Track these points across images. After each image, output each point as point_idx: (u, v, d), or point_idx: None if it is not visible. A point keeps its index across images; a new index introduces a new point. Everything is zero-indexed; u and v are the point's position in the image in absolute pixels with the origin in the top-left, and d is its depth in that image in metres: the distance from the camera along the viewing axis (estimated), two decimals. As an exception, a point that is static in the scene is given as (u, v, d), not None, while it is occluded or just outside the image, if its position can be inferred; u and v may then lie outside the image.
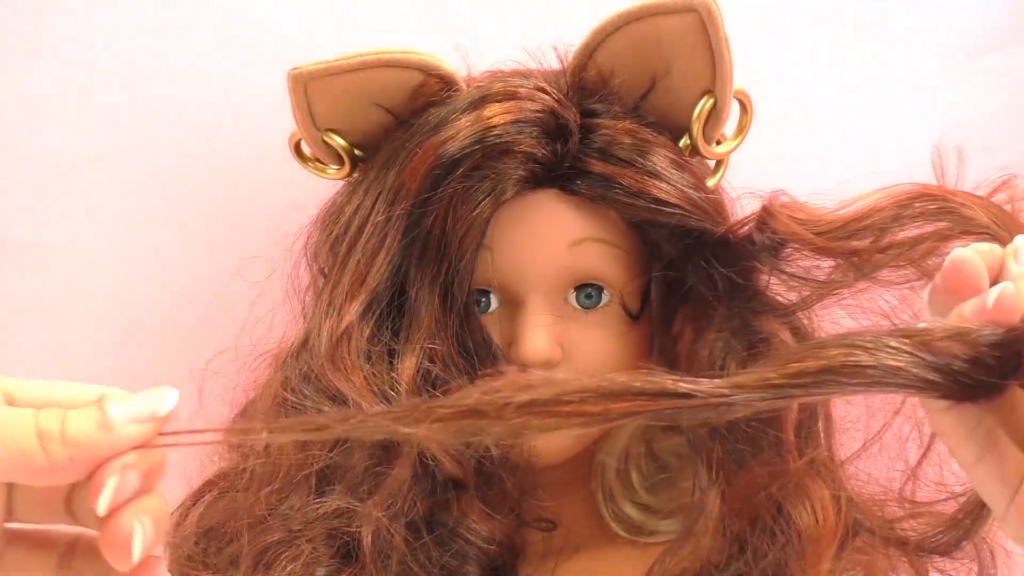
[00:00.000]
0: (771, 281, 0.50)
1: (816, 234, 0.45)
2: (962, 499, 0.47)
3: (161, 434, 0.29)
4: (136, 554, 0.28)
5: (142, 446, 0.28)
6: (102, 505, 0.27)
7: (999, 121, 0.70)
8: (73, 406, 0.28)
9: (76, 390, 0.29)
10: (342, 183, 0.57)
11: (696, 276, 0.51)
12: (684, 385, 0.28)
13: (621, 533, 0.56)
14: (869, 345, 0.29)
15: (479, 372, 0.49)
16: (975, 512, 0.46)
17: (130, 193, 0.69)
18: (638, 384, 0.28)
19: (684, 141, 0.53)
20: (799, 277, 0.49)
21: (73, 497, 0.30)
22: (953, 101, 0.70)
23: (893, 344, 0.29)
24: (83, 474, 0.28)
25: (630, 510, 0.56)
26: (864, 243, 0.44)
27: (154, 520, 0.28)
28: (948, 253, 0.33)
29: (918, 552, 0.49)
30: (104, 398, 0.29)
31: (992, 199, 0.42)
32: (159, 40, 0.69)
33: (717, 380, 0.28)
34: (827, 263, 0.47)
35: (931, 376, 0.29)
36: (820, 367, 0.28)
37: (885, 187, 0.43)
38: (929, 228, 0.42)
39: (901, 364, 0.29)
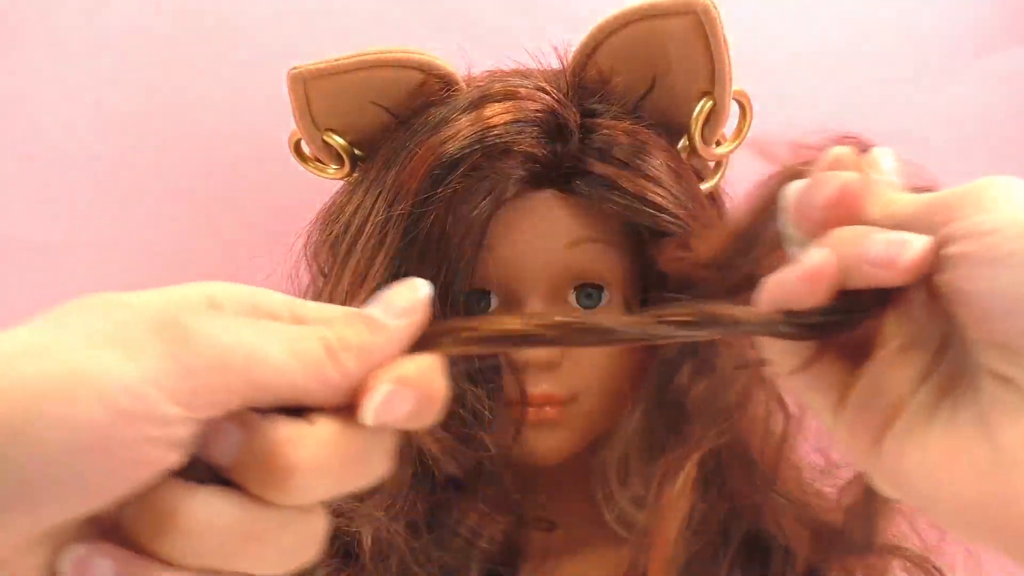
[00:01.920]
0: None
1: (705, 267, 0.43)
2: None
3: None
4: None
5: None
6: (369, 413, 0.26)
7: (999, 121, 0.70)
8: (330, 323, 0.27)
9: (339, 310, 0.28)
10: (342, 183, 0.57)
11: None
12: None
13: (621, 533, 0.56)
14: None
15: (479, 371, 0.49)
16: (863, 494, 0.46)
17: (130, 193, 0.69)
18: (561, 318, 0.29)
19: (683, 142, 0.53)
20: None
21: None
22: (953, 101, 0.70)
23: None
24: (362, 384, 0.26)
25: (630, 510, 0.56)
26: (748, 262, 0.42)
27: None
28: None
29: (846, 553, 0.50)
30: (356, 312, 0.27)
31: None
32: (159, 40, 0.69)
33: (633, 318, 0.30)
34: None
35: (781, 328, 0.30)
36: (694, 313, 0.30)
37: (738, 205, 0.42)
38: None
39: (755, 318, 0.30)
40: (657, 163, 0.50)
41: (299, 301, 0.28)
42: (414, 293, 0.28)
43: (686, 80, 0.51)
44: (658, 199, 0.49)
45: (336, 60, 0.51)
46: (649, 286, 0.53)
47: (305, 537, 0.27)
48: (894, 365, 0.30)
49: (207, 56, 0.69)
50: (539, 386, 0.51)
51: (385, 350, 0.27)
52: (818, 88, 0.71)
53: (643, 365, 0.53)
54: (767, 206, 0.36)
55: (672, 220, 0.49)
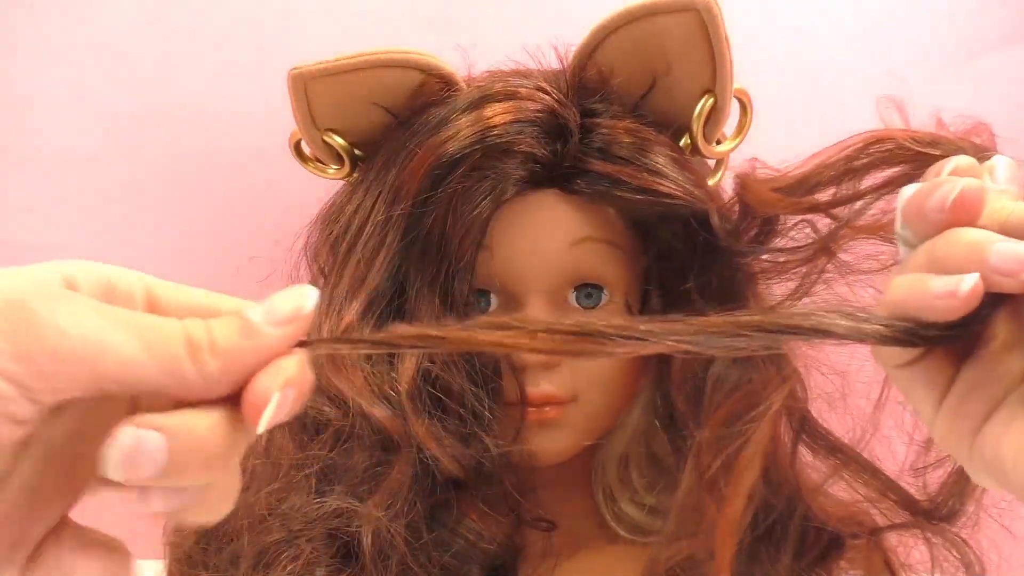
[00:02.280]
0: (765, 277, 0.51)
1: (778, 191, 0.45)
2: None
3: (302, 343, 0.27)
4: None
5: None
6: (263, 424, 0.25)
7: (999, 121, 0.70)
8: (211, 315, 0.26)
9: (211, 299, 0.28)
10: (342, 183, 0.57)
11: (696, 277, 0.51)
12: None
13: (621, 533, 0.56)
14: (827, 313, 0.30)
15: (479, 372, 0.49)
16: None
17: (130, 193, 0.69)
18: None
19: (684, 140, 0.53)
20: (784, 251, 0.49)
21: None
22: (953, 101, 0.70)
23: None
24: (228, 388, 0.26)
25: (630, 510, 0.56)
26: (826, 195, 0.43)
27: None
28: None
29: (924, 523, 0.50)
30: (242, 307, 0.27)
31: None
32: (159, 40, 0.69)
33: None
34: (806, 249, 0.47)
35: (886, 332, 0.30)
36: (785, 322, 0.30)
37: (839, 141, 0.43)
38: (889, 173, 0.42)
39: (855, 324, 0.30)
40: (660, 158, 0.50)
41: (163, 284, 0.28)
42: (301, 302, 0.27)
43: (687, 78, 0.51)
44: (665, 189, 0.49)
45: (336, 60, 0.51)
46: (649, 286, 0.53)
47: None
48: (999, 360, 0.30)
49: (207, 57, 0.69)
50: (539, 386, 0.51)
51: (253, 358, 0.26)
52: (818, 88, 0.71)
53: (643, 365, 0.53)
54: (849, 165, 0.39)
55: (685, 202, 0.49)
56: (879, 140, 0.42)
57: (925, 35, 0.71)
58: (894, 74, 0.71)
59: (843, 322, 0.30)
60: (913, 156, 0.40)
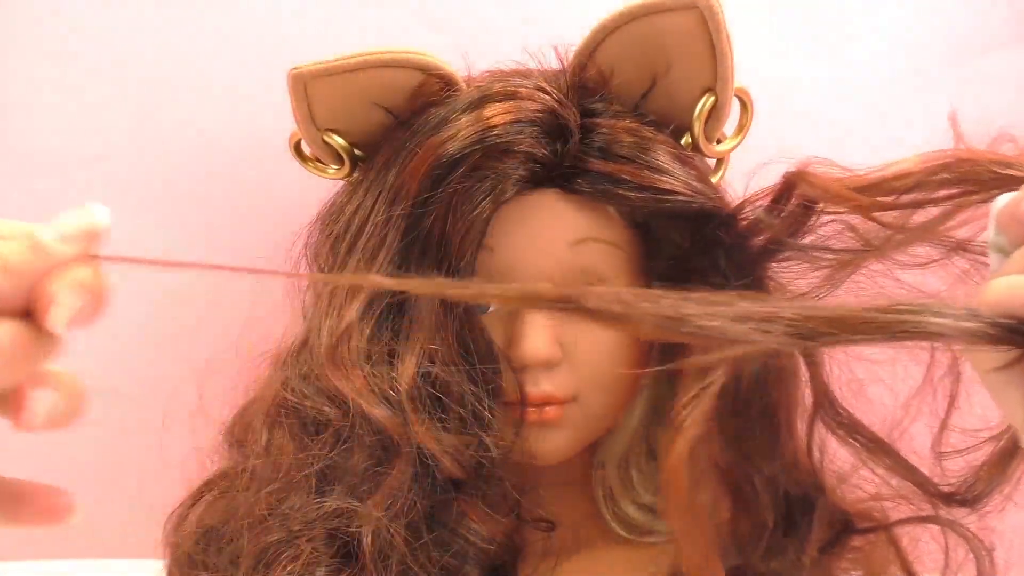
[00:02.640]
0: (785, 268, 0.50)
1: (856, 190, 0.44)
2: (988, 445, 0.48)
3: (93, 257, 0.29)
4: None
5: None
6: (56, 321, 0.27)
7: (999, 121, 0.70)
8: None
9: (8, 225, 0.29)
10: (342, 183, 0.57)
11: (700, 277, 0.51)
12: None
13: (621, 533, 0.56)
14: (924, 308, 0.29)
15: (479, 372, 0.49)
16: (1005, 456, 0.47)
17: (129, 193, 0.69)
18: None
19: (685, 139, 0.53)
20: (821, 249, 0.48)
21: None
22: (953, 101, 0.70)
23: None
24: (20, 300, 0.27)
25: (630, 510, 0.56)
26: (907, 200, 0.43)
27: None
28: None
29: (949, 504, 0.50)
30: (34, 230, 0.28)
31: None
32: (159, 40, 0.69)
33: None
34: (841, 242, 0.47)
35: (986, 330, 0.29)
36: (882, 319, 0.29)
37: (918, 153, 0.43)
38: (967, 192, 0.42)
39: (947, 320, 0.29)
40: (662, 156, 0.50)
41: None
42: (90, 218, 0.29)
43: (688, 76, 0.51)
44: (668, 186, 0.49)
45: (336, 60, 0.51)
46: (650, 286, 0.53)
47: None
48: None
49: (207, 57, 0.69)
50: (539, 386, 0.51)
51: (41, 272, 0.27)
52: (818, 88, 0.71)
53: (643, 364, 0.53)
54: (934, 177, 0.40)
55: (689, 199, 0.49)
56: (964, 160, 0.42)
57: (925, 35, 0.71)
58: (894, 75, 0.71)
59: (943, 320, 0.29)
60: (993, 178, 0.40)
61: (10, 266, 0.27)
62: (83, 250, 0.28)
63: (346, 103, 0.52)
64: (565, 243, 0.51)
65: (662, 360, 0.54)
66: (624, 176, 0.49)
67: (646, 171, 0.49)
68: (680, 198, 0.49)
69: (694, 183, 0.50)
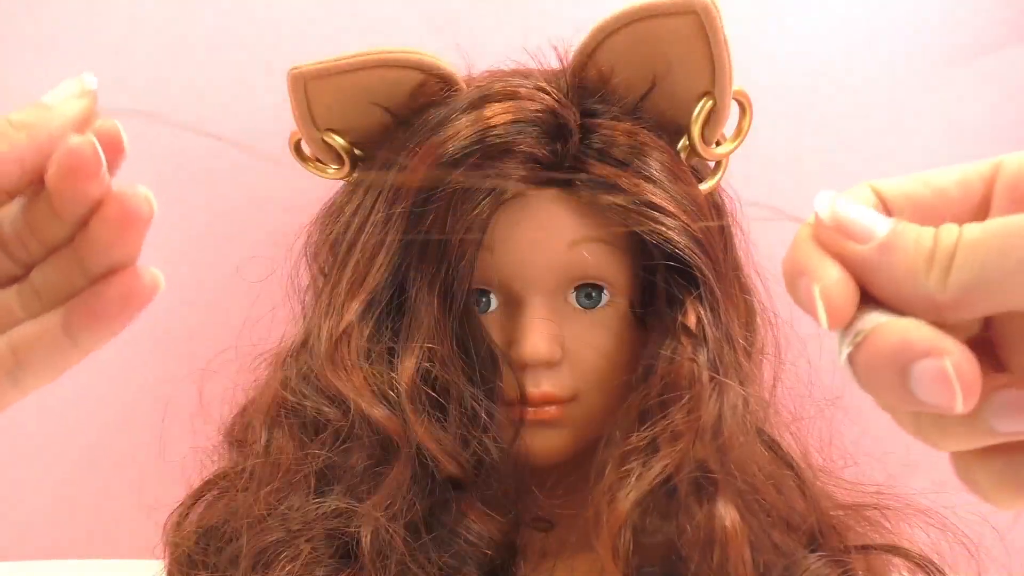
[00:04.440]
0: None
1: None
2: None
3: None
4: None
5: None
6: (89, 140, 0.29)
7: (999, 121, 0.70)
8: None
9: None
10: (342, 183, 0.57)
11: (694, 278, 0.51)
12: None
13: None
14: None
15: (478, 372, 0.49)
16: None
17: (130, 193, 0.69)
18: None
19: (683, 142, 0.53)
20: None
21: (4, 238, 0.30)
22: (953, 101, 0.70)
23: None
24: (43, 155, 0.29)
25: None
26: None
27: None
28: None
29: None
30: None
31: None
32: (159, 40, 0.69)
33: None
34: None
35: None
36: None
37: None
38: None
39: None
40: (656, 165, 0.50)
41: None
42: (79, 82, 0.32)
43: (686, 80, 0.50)
44: (656, 200, 0.49)
45: (336, 60, 0.51)
46: (649, 286, 0.53)
47: None
48: None
49: (207, 56, 0.69)
50: (539, 386, 0.51)
51: (54, 124, 0.29)
52: (818, 88, 0.71)
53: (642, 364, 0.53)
54: None
55: (670, 222, 0.49)
56: None
57: (925, 36, 0.70)
58: (894, 75, 0.71)
59: None
60: None
61: (21, 122, 0.28)
62: (85, 105, 0.31)
63: (346, 103, 0.52)
64: (564, 243, 0.51)
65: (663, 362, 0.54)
66: (617, 182, 0.49)
67: (638, 179, 0.49)
68: (661, 216, 0.49)
69: (680, 201, 0.50)
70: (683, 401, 0.48)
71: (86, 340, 0.30)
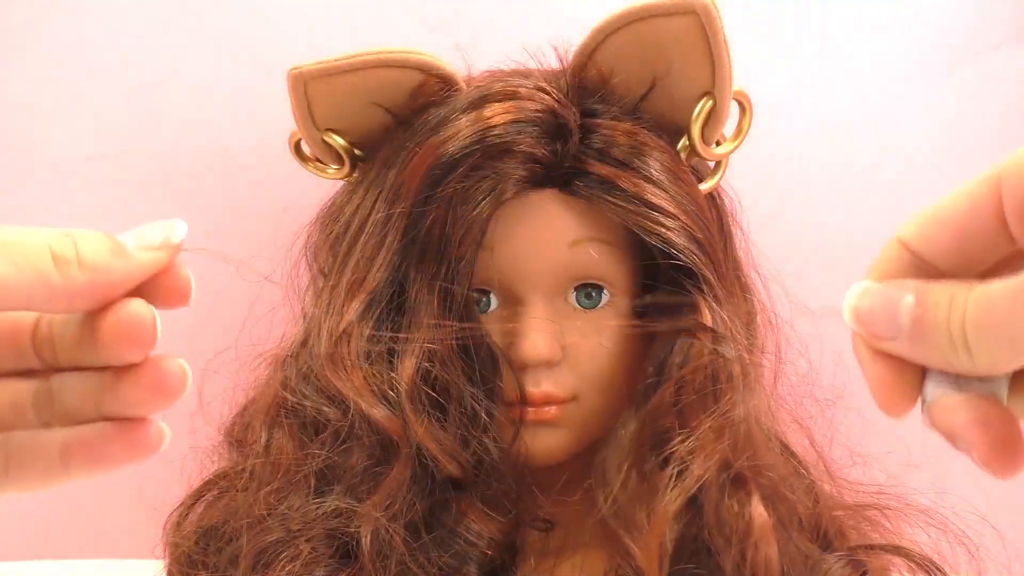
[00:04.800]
0: None
1: None
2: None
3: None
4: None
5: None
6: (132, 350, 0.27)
7: (999, 121, 0.70)
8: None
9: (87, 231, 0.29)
10: (342, 183, 0.57)
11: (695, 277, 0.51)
12: None
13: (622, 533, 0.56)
14: None
15: (478, 372, 0.49)
16: None
17: (130, 193, 0.69)
18: None
19: (683, 142, 0.53)
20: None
21: (40, 336, 0.29)
22: (953, 101, 0.70)
23: None
24: (98, 302, 0.27)
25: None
26: None
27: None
28: None
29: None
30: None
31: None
32: (159, 40, 0.69)
33: None
34: None
35: None
36: None
37: None
38: None
39: None
40: (656, 165, 0.50)
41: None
42: (170, 232, 0.29)
43: (686, 80, 0.50)
44: (656, 200, 0.49)
45: (336, 60, 0.51)
46: (649, 286, 0.53)
47: None
48: None
49: (207, 57, 0.69)
50: (540, 386, 0.51)
51: (119, 276, 0.27)
52: (818, 88, 0.71)
53: (642, 364, 0.53)
54: None
55: (669, 223, 0.49)
56: None
57: (925, 35, 0.70)
58: (894, 75, 0.71)
59: None
60: None
61: (86, 262, 0.26)
62: (162, 259, 0.28)
63: (346, 103, 0.52)
64: (564, 243, 0.51)
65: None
66: (617, 182, 0.49)
67: (638, 179, 0.49)
68: (660, 217, 0.49)
69: (680, 201, 0.50)
70: (719, 397, 0.48)
71: (79, 472, 0.29)
